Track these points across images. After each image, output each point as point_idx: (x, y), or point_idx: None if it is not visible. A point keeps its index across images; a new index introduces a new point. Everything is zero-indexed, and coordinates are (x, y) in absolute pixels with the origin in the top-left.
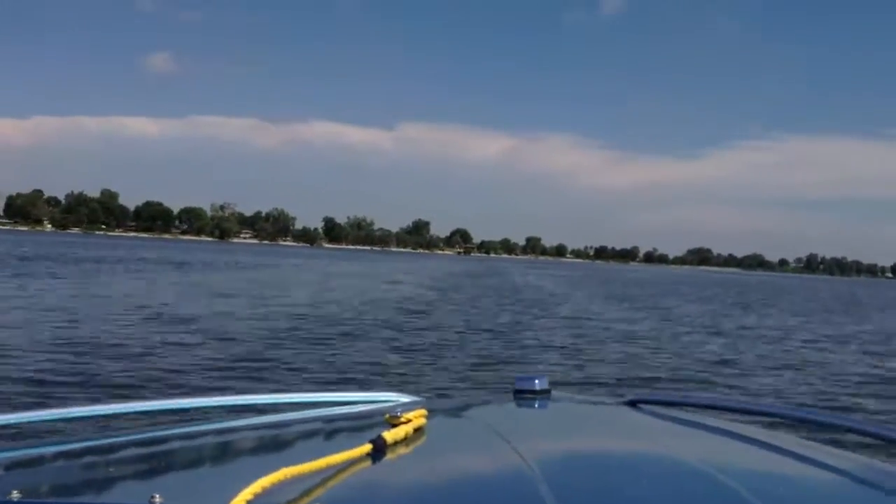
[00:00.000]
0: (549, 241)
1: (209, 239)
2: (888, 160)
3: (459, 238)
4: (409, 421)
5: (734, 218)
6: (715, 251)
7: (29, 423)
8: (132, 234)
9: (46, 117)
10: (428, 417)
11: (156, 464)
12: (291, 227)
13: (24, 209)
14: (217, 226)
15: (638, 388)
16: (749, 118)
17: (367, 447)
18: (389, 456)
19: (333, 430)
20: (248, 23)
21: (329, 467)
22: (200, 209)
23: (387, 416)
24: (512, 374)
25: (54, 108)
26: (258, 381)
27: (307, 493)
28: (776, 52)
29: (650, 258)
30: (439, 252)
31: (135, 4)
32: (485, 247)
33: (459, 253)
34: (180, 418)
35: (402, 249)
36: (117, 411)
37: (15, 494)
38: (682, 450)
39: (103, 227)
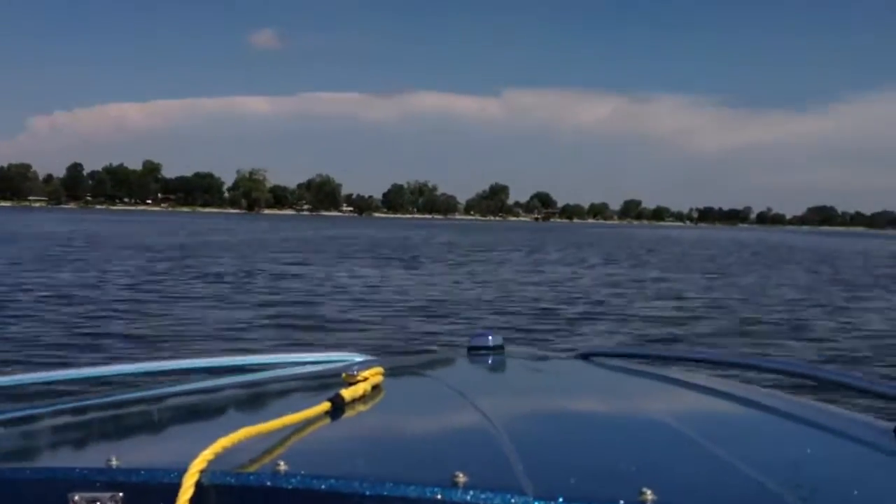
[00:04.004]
0: (651, 205)
1: (234, 211)
2: None
3: (538, 202)
4: (365, 379)
5: (860, 175)
6: (840, 209)
7: None
8: (140, 207)
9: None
10: (384, 375)
11: (113, 426)
12: (338, 196)
13: (13, 184)
14: (245, 195)
15: (589, 342)
16: (867, 68)
17: (326, 405)
18: (348, 413)
19: (291, 390)
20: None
21: (289, 426)
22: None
23: (344, 374)
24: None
25: (170, 91)
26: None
27: (268, 451)
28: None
29: (763, 219)
30: (513, 219)
31: None
32: (568, 212)
33: (536, 219)
34: (136, 382)
35: (468, 217)
36: (71, 377)
37: None
38: (635, 399)
39: (111, 200)
